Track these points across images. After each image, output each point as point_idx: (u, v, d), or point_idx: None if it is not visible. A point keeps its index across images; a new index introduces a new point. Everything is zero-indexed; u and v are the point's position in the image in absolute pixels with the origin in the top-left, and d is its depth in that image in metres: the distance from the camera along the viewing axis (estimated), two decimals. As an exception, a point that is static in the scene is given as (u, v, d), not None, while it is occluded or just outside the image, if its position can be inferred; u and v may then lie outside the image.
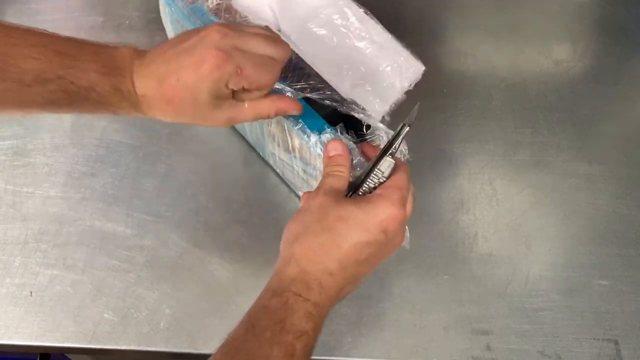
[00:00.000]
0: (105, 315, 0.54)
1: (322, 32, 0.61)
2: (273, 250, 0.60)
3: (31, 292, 0.55)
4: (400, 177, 0.42)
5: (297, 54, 0.55)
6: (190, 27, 0.55)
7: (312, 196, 0.42)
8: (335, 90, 0.52)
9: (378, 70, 0.60)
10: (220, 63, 0.41)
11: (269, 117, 0.46)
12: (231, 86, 0.42)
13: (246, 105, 0.45)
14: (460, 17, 0.80)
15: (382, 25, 0.59)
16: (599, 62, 0.77)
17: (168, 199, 0.61)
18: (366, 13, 0.60)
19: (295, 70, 0.54)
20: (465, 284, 0.58)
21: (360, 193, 0.42)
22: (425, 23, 0.77)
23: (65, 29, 0.75)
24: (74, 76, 0.41)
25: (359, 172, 0.44)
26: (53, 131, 0.65)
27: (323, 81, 0.52)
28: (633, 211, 0.64)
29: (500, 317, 0.56)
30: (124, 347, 0.53)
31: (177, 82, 0.42)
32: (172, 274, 0.57)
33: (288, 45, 0.46)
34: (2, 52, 0.39)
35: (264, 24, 0.57)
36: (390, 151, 0.42)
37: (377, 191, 0.41)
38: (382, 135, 0.50)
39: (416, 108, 0.44)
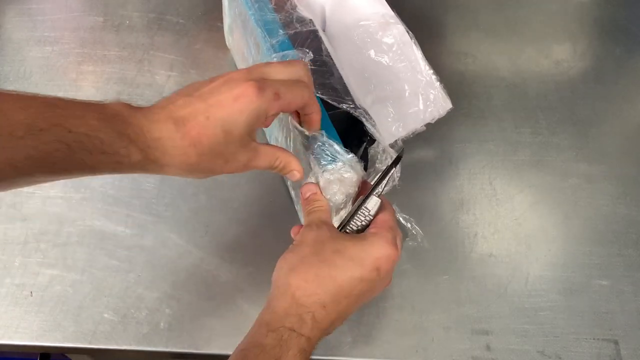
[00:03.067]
0: (105, 315, 0.54)
1: (363, 43, 0.62)
2: (273, 250, 0.60)
3: (31, 292, 0.55)
4: (389, 217, 0.43)
5: (329, 55, 0.55)
6: (243, 3, 0.57)
7: (306, 230, 0.43)
8: (354, 102, 0.52)
9: (405, 95, 0.60)
10: (258, 92, 0.40)
11: (278, 170, 0.46)
12: (271, 112, 0.41)
13: (262, 149, 0.44)
14: (460, 17, 0.80)
15: (423, 55, 0.60)
16: (599, 62, 0.77)
17: (168, 199, 0.61)
18: (411, 38, 0.60)
19: (322, 69, 0.54)
20: (465, 284, 0.58)
21: (347, 231, 0.44)
22: (425, 23, 0.77)
23: (65, 29, 0.76)
24: (71, 123, 0.36)
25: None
26: (53, 131, 0.65)
27: (346, 92, 0.52)
28: (633, 211, 0.64)
29: (500, 317, 0.56)
30: (124, 347, 0.53)
31: (207, 120, 0.39)
32: (172, 274, 0.57)
33: (306, 64, 0.45)
34: None
35: (311, 17, 0.57)
36: (376, 191, 0.43)
37: (371, 230, 0.43)
38: (382, 156, 0.50)
39: (402, 151, 0.46)
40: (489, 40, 0.78)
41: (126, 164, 0.39)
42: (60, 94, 0.72)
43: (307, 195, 0.46)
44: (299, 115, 0.46)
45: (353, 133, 0.51)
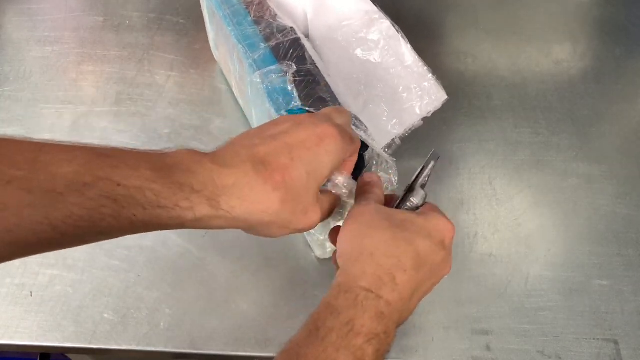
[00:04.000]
0: (105, 315, 0.54)
1: (348, 43, 0.61)
2: (273, 250, 0.60)
3: (31, 292, 0.55)
4: (434, 204, 0.42)
5: (313, 62, 0.54)
6: (221, 19, 0.55)
7: (363, 205, 0.39)
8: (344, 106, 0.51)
9: (398, 91, 0.59)
10: (341, 134, 0.37)
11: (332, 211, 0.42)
12: (348, 156, 0.40)
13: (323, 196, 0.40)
14: (460, 17, 0.80)
15: (411, 47, 0.59)
16: (599, 62, 0.77)
17: (168, 199, 0.61)
18: (398, 32, 0.60)
19: (307, 78, 0.53)
20: (465, 284, 0.58)
21: None
22: (425, 23, 0.77)
23: (65, 29, 0.76)
24: (121, 175, 0.31)
25: None
26: (53, 131, 0.65)
27: (334, 100, 0.51)
28: (633, 211, 0.64)
29: (500, 317, 0.56)
30: (124, 347, 0.53)
31: (291, 161, 0.35)
32: (172, 274, 0.57)
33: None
34: (29, 159, 0.31)
35: (292, 24, 0.56)
36: (420, 182, 0.42)
37: (424, 209, 0.41)
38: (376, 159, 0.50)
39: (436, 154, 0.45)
40: (489, 40, 0.78)
41: (190, 219, 0.33)
42: (60, 94, 0.73)
43: (370, 179, 0.42)
44: None
45: None
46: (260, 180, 0.34)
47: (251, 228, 0.36)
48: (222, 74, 0.71)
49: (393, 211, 0.39)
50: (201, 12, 0.79)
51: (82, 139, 0.64)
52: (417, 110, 0.59)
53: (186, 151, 0.35)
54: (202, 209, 0.33)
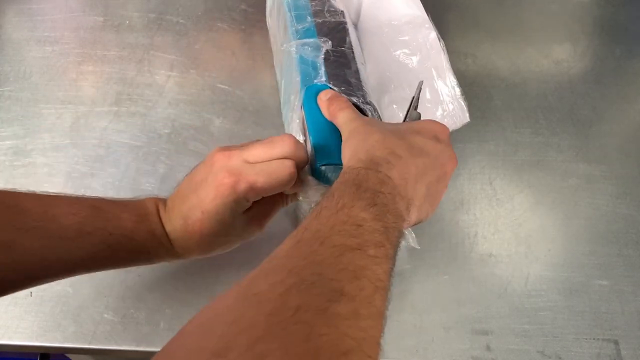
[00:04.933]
0: (105, 315, 0.54)
1: (391, 42, 0.61)
2: (273, 250, 0.60)
3: (31, 292, 0.55)
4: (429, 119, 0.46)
5: (351, 47, 0.55)
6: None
7: (350, 117, 0.44)
8: (364, 97, 0.51)
9: (425, 101, 0.59)
10: (232, 187, 0.42)
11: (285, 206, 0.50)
12: (250, 199, 0.44)
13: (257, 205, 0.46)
14: (460, 17, 0.80)
15: (450, 66, 0.60)
16: (599, 62, 0.77)
17: (168, 199, 0.61)
18: (441, 45, 0.60)
19: (340, 60, 0.54)
20: (465, 284, 0.58)
21: None
22: (425, 23, 0.77)
23: (65, 29, 0.76)
24: (113, 226, 0.42)
25: None
26: (53, 131, 0.65)
27: (359, 87, 0.52)
28: (633, 211, 0.64)
29: (500, 317, 0.56)
30: (124, 347, 0.53)
31: (202, 214, 0.43)
32: (172, 274, 0.57)
33: (291, 137, 0.45)
34: (41, 211, 0.40)
35: (344, 9, 0.58)
36: (412, 104, 0.48)
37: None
38: None
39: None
40: (489, 40, 0.78)
41: (154, 259, 0.46)
42: (60, 94, 0.73)
43: (328, 96, 0.47)
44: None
45: None
46: (189, 234, 0.44)
47: (199, 257, 0.48)
48: (223, 73, 0.71)
49: (384, 122, 0.44)
50: (201, 12, 0.79)
51: (82, 139, 0.64)
52: None
53: (154, 200, 0.47)
54: (163, 252, 0.46)
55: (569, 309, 0.57)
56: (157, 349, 0.55)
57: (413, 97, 0.50)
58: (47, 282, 0.44)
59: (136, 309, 0.54)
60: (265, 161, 0.44)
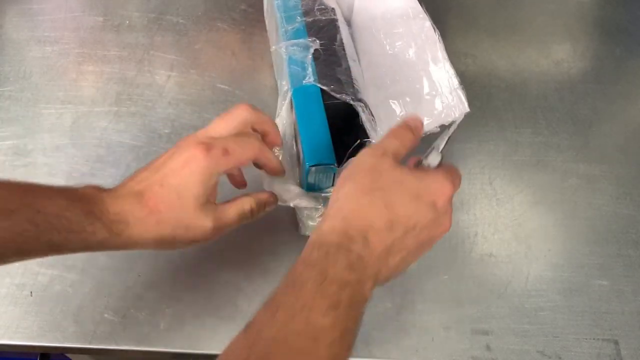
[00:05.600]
0: (105, 315, 0.54)
1: (386, 35, 0.61)
2: (273, 250, 0.60)
3: (31, 292, 0.55)
4: (450, 165, 0.42)
5: (342, 45, 0.54)
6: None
7: (369, 153, 0.41)
8: (355, 94, 0.50)
9: (422, 93, 0.59)
10: (205, 152, 0.42)
11: (251, 212, 0.47)
12: (222, 169, 0.43)
13: (223, 205, 0.45)
14: (460, 17, 0.80)
15: (447, 55, 0.59)
16: (599, 62, 0.77)
17: (168, 199, 0.61)
18: (436, 34, 0.60)
19: (331, 58, 0.53)
20: (465, 284, 0.58)
21: None
22: (425, 23, 0.77)
23: (65, 29, 0.76)
24: (41, 204, 0.38)
25: None
26: (53, 131, 0.65)
27: (349, 85, 0.51)
28: (633, 211, 0.64)
29: (500, 317, 0.56)
30: (124, 347, 0.53)
31: (161, 187, 0.42)
32: (172, 274, 0.57)
33: (246, 104, 0.46)
34: None
35: (335, 6, 0.58)
36: (437, 144, 0.43)
37: (434, 169, 0.42)
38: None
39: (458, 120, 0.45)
40: (489, 40, 0.78)
41: (93, 241, 0.40)
42: (60, 94, 0.73)
43: (411, 123, 0.43)
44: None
45: (348, 127, 0.51)
46: (139, 207, 0.41)
47: (145, 246, 0.43)
48: (223, 73, 0.71)
49: (390, 170, 0.40)
50: (201, 13, 0.79)
51: (82, 139, 0.64)
52: (437, 117, 0.59)
53: (92, 187, 0.43)
54: (102, 233, 0.40)
55: (569, 309, 0.57)
56: (157, 349, 0.55)
57: (442, 133, 0.44)
58: None
59: (136, 309, 0.54)
60: (232, 135, 0.44)
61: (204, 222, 0.43)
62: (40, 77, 0.70)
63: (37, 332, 0.53)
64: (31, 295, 0.55)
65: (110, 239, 0.41)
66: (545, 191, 0.65)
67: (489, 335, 0.55)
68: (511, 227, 0.62)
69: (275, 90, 0.70)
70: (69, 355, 0.64)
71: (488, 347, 0.55)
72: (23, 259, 0.40)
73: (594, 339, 0.56)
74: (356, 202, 0.38)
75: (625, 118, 0.72)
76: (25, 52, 0.72)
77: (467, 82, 0.71)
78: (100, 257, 0.57)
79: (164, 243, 0.43)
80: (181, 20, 0.76)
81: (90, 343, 0.53)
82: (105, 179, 0.62)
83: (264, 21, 0.74)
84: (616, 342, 0.56)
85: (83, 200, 0.40)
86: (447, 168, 0.42)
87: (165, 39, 0.74)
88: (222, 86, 0.71)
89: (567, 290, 0.58)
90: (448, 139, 0.43)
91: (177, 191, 0.42)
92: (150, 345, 0.53)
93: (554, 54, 0.77)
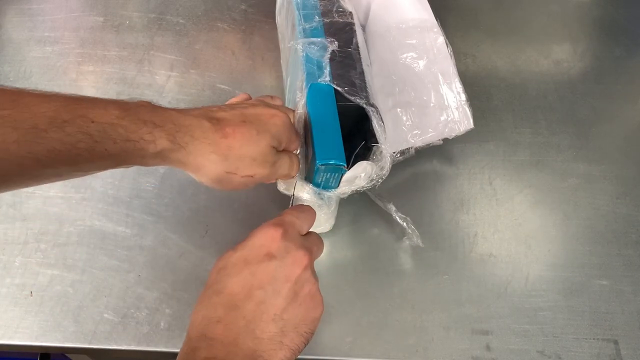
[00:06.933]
0: (105, 315, 0.54)
1: (398, 44, 0.61)
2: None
3: (31, 292, 0.55)
4: (288, 210, 0.43)
5: (357, 49, 0.55)
6: None
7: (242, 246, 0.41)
8: (367, 98, 0.51)
9: (429, 105, 0.59)
10: (288, 119, 0.45)
11: (290, 175, 0.48)
12: (287, 142, 0.46)
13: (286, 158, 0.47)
14: (460, 17, 0.80)
15: (457, 71, 0.59)
16: (599, 62, 0.77)
17: (168, 199, 0.61)
18: (449, 50, 0.60)
19: (346, 61, 0.53)
20: (465, 284, 0.58)
21: None
22: (425, 23, 0.77)
23: (65, 29, 0.76)
24: (95, 114, 0.36)
25: None
26: (53, 131, 0.65)
27: (362, 89, 0.51)
28: (633, 211, 0.64)
29: (500, 317, 0.56)
30: (124, 347, 0.53)
31: (243, 123, 0.42)
32: (172, 274, 0.57)
33: (289, 126, 0.47)
34: (11, 100, 0.34)
35: (352, 10, 0.58)
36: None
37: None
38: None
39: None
40: (489, 40, 0.78)
41: (151, 152, 0.38)
42: (60, 94, 0.72)
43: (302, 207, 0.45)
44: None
45: (357, 130, 0.51)
46: (212, 129, 0.40)
47: (200, 170, 0.41)
48: (223, 73, 0.71)
49: (230, 256, 0.40)
50: (201, 12, 0.79)
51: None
52: (441, 130, 0.59)
53: (147, 101, 0.40)
54: (162, 142, 0.38)
55: (569, 309, 0.57)
56: (157, 349, 0.55)
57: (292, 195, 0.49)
58: (23, 185, 0.36)
59: (136, 309, 0.55)
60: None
61: (265, 165, 0.43)
62: (40, 77, 0.70)
63: (37, 332, 0.53)
64: (31, 295, 0.55)
65: (171, 151, 0.39)
66: (545, 191, 0.65)
67: (489, 335, 0.55)
68: (511, 227, 0.62)
69: (276, 90, 0.70)
70: (69, 355, 0.64)
71: (488, 347, 0.55)
72: (78, 173, 0.38)
73: (593, 339, 0.56)
74: (200, 305, 0.39)
75: (625, 118, 0.72)
76: (25, 52, 0.72)
77: (467, 82, 0.71)
78: (100, 257, 0.57)
79: (222, 173, 0.41)
80: (181, 20, 0.76)
81: (90, 343, 0.53)
82: (105, 179, 0.62)
83: (264, 21, 0.74)
84: (616, 342, 0.56)
85: (140, 110, 0.38)
86: (284, 212, 0.43)
87: (165, 39, 0.74)
88: (222, 86, 0.71)
89: (567, 290, 0.58)
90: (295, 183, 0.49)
91: (258, 129, 0.42)
92: (150, 345, 0.53)
93: (554, 54, 0.77)
